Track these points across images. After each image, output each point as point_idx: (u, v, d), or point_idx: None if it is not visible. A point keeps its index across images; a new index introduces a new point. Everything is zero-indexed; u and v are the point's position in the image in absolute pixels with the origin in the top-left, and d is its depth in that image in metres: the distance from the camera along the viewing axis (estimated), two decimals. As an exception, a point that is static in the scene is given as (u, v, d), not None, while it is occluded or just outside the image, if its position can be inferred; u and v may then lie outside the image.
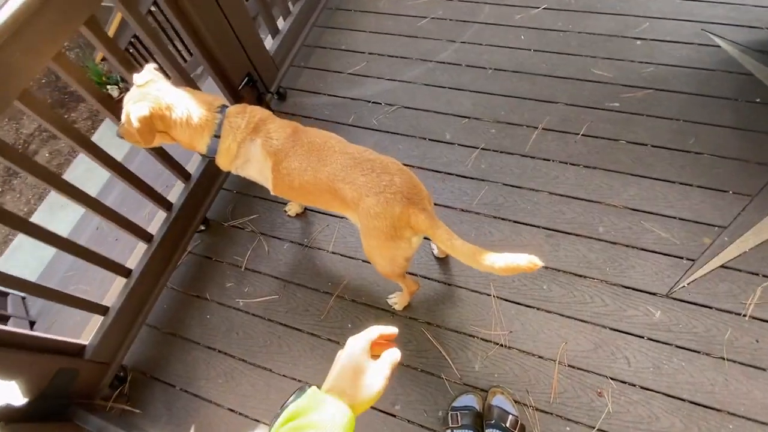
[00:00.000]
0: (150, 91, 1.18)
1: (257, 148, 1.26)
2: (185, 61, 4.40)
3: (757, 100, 1.90)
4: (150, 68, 1.23)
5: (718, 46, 2.08)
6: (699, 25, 2.17)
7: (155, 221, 1.69)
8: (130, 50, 4.43)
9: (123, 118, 1.19)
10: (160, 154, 1.59)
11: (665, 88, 2.00)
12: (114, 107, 1.35)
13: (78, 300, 1.41)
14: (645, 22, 2.22)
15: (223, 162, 1.31)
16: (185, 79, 1.60)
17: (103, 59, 4.82)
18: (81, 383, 1.44)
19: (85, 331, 1.71)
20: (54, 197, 5.39)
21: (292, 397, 0.63)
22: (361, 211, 1.18)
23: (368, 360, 0.69)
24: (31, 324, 2.61)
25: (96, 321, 1.53)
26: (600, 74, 2.08)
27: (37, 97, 1.12)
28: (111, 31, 4.33)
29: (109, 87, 5.25)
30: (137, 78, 1.20)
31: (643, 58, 2.10)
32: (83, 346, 1.45)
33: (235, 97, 1.88)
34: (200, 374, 1.61)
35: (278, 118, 1.32)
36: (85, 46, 6.43)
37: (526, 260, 1.00)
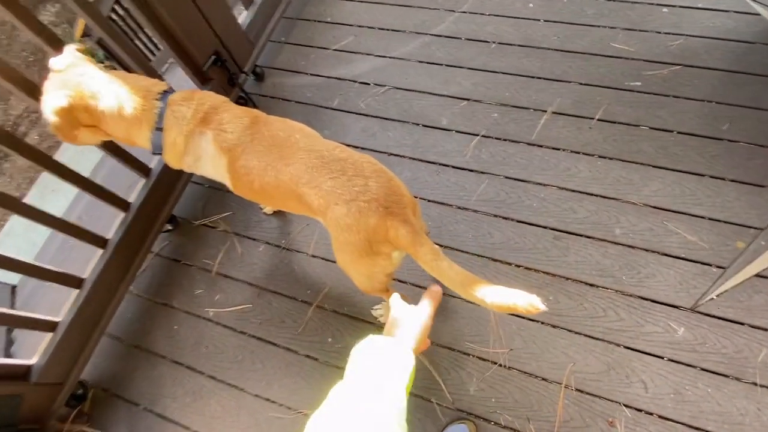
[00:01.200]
0: (71, 78, 0.97)
1: (208, 143, 1.05)
2: (155, 55, 4.06)
3: (804, 77, 1.64)
4: (71, 49, 1.01)
5: (758, 15, 1.80)
6: (737, -11, 1.87)
7: (115, 222, 1.50)
8: (113, 17, 4.10)
9: (42, 110, 0.98)
10: (112, 148, 1.39)
11: (695, 64, 1.73)
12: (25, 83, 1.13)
13: (17, 318, 1.24)
14: (673, -15, 1.93)
15: (171, 159, 1.10)
16: (150, 74, 1.38)
17: (84, 35, 4.53)
18: (30, 407, 1.30)
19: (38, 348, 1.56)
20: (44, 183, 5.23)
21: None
22: (329, 222, 0.98)
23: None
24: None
25: (45, 337, 1.36)
26: (620, 48, 1.81)
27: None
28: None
29: (93, 65, 4.97)
30: (54, 62, 0.98)
31: (670, 28, 1.82)
32: (28, 368, 1.29)
33: (202, 79, 1.65)
34: (166, 392, 1.46)
35: (235, 106, 1.10)
36: (72, 21, 6.13)
37: (525, 301, 0.80)
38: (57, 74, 0.97)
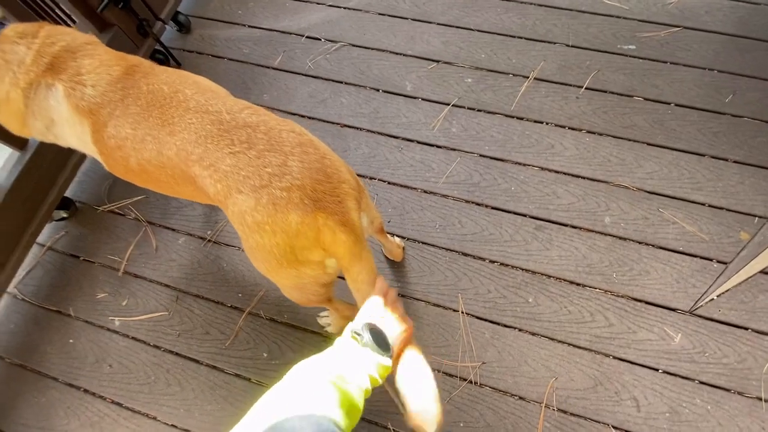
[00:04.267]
0: None
1: (60, 102, 0.73)
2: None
3: (814, 44, 1.45)
4: None
5: (765, -30, 1.58)
6: (742, -59, 1.64)
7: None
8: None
9: None
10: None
11: (695, 26, 1.51)
12: None
13: None
14: (673, -66, 1.68)
15: (8, 122, 0.77)
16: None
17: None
18: None
19: None
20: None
21: None
22: (232, 217, 0.69)
23: None
24: None
25: None
26: (612, 5, 1.56)
27: None
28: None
29: None
30: None
31: (668, -17, 1.58)
32: None
33: (99, 24, 1.29)
34: (57, 423, 1.17)
35: (104, 49, 0.77)
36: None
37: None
38: None
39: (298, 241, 0.65)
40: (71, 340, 1.24)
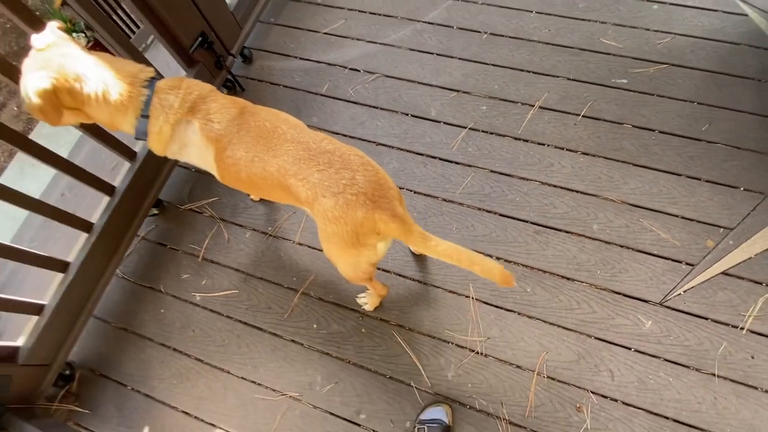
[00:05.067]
0: (52, 58, 0.94)
1: (195, 133, 1.05)
2: (134, 31, 3.88)
3: (783, 81, 1.68)
4: (53, 27, 0.99)
5: (746, 15, 1.82)
6: (727, -12, 1.89)
7: (97, 209, 1.50)
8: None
9: (21, 90, 0.96)
10: (94, 130, 1.37)
11: (681, 63, 1.76)
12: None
13: (7, 301, 1.24)
14: (665, -19, 1.93)
15: (155, 146, 1.10)
16: (131, 53, 1.35)
17: (64, 3, 4.33)
18: (18, 387, 1.32)
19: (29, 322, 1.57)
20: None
21: None
22: (317, 213, 1.00)
23: None
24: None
25: (32, 319, 1.38)
26: (609, 44, 1.83)
27: None
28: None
29: (74, 34, 4.78)
30: (36, 40, 0.96)
31: (659, 26, 1.84)
32: (16, 349, 1.31)
33: (188, 62, 1.62)
34: (154, 373, 1.49)
35: (222, 95, 1.10)
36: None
37: (499, 273, 1.02)
38: (38, 53, 0.95)
39: (362, 229, 0.96)
40: (162, 310, 1.58)
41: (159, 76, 1.08)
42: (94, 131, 1.37)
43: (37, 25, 1.08)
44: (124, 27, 2.55)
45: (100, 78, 0.97)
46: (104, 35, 1.32)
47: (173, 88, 1.04)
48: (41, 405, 1.42)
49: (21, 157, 5.54)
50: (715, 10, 1.84)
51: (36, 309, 1.34)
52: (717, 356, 1.33)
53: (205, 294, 1.58)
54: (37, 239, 1.87)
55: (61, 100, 0.94)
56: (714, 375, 1.31)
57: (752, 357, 1.32)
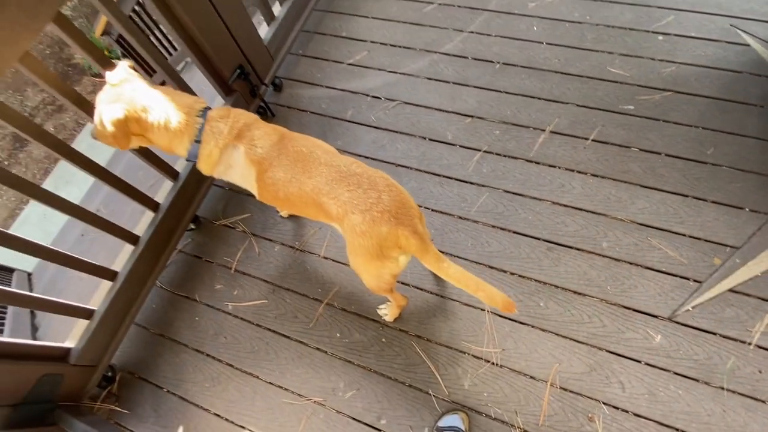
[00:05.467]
0: (124, 91, 1.10)
1: (240, 156, 1.19)
2: (171, 54, 4.19)
3: (786, 107, 1.76)
4: (124, 66, 1.15)
5: (747, 45, 1.92)
6: (728, 20, 1.99)
7: (141, 223, 1.65)
8: (133, 18, 4.24)
9: (96, 119, 1.12)
10: (144, 153, 1.53)
11: (685, 90, 1.86)
12: (81, 101, 1.27)
13: (59, 305, 1.38)
14: (670, 14, 2.05)
15: (204, 167, 1.24)
16: (171, 76, 1.51)
17: (104, 33, 4.67)
18: (67, 386, 1.44)
19: (72, 334, 1.71)
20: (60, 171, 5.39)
21: None
22: (346, 228, 1.11)
23: None
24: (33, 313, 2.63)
25: (81, 325, 1.51)
26: (616, 73, 1.94)
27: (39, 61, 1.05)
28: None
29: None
30: (110, 76, 1.12)
31: (664, 55, 1.95)
32: (68, 350, 1.43)
33: (227, 90, 1.79)
34: (188, 377, 1.60)
35: (264, 124, 1.24)
36: (89, 15, 6.28)
37: (503, 300, 1.07)
38: (112, 87, 1.11)
39: (386, 243, 1.07)
40: (197, 318, 1.70)
41: (209, 107, 1.22)
42: (144, 153, 1.53)
43: (108, 65, 1.25)
44: (161, 48, 2.76)
45: (163, 109, 1.12)
46: (146, 57, 1.45)
47: (223, 117, 1.19)
48: (85, 404, 1.53)
49: (55, 174, 5.83)
50: (718, 41, 1.95)
51: (87, 313, 1.47)
52: (726, 370, 1.38)
53: (236, 303, 1.69)
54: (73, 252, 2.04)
55: (130, 127, 1.10)
56: (723, 389, 1.36)
57: (760, 371, 1.36)
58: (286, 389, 1.53)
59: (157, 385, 1.60)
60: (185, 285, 1.76)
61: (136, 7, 4.03)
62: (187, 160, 1.24)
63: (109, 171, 1.43)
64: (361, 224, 1.07)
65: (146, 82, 1.16)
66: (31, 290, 2.74)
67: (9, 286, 2.69)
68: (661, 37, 2.00)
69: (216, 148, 1.18)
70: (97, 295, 1.63)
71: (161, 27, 4.23)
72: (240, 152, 1.19)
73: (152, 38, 4.43)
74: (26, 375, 1.26)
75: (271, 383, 1.55)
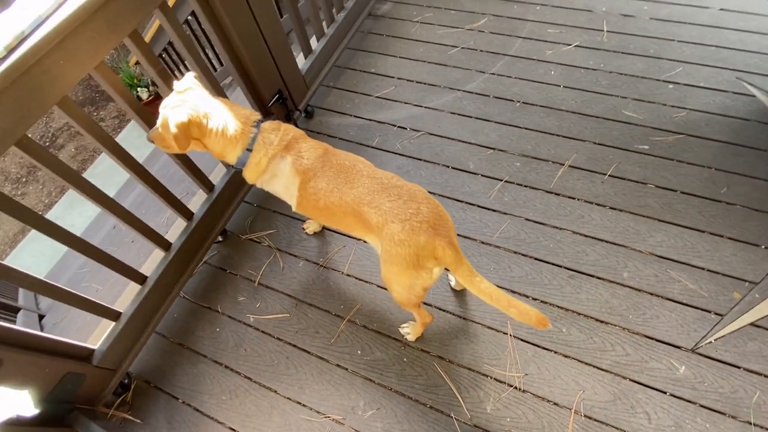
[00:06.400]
0: (189, 99, 1.19)
1: (287, 165, 1.27)
2: (215, 70, 4.51)
3: (793, 153, 1.85)
4: (191, 76, 1.25)
5: (753, 96, 2.05)
6: (734, 73, 2.14)
7: (173, 228, 1.70)
8: (163, 56, 4.57)
9: (159, 121, 1.20)
10: (186, 162, 1.60)
11: (697, 134, 1.96)
12: (142, 110, 1.36)
13: (90, 303, 1.40)
14: (678, 66, 2.20)
15: (250, 175, 1.31)
16: (215, 89, 1.62)
17: (137, 63, 4.96)
18: (86, 388, 1.42)
19: (94, 333, 1.71)
20: (71, 195, 5.52)
21: None
22: (385, 236, 1.16)
23: None
24: (40, 317, 2.63)
25: (105, 324, 1.52)
26: (630, 115, 2.06)
27: (72, 101, 1.13)
28: (147, 39, 4.48)
29: (139, 89, 5.41)
30: (177, 85, 1.21)
31: (675, 102, 2.07)
32: (92, 351, 1.43)
33: (265, 113, 1.90)
34: (204, 389, 1.58)
35: (311, 139, 1.33)
36: (120, 47, 6.67)
37: (537, 316, 1.07)
38: (178, 94, 1.20)
39: (423, 252, 1.11)
40: (218, 329, 1.70)
41: (262, 119, 1.31)
42: (185, 164, 1.60)
43: (168, 79, 1.35)
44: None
45: (222, 117, 1.21)
46: (198, 71, 1.53)
47: (274, 130, 1.28)
48: (100, 410, 1.51)
49: (71, 192, 5.93)
50: (725, 91, 2.08)
51: (114, 315, 1.48)
52: (752, 404, 1.36)
53: (258, 316, 1.70)
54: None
55: (191, 131, 1.18)
56: (750, 423, 1.34)
57: (788, 408, 1.35)
58: (304, 405, 1.50)
59: (172, 395, 1.58)
60: (208, 296, 1.78)
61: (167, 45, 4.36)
62: (233, 167, 1.32)
63: (154, 176, 1.50)
64: (400, 233, 1.12)
65: (208, 92, 1.25)
66: (37, 306, 2.75)
67: (16, 300, 2.70)
68: (671, 86, 2.14)
69: (265, 157, 1.26)
70: (122, 299, 1.66)
71: (206, 51, 4.54)
72: (287, 162, 1.26)
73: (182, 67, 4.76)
74: (54, 370, 1.26)
75: (289, 398, 1.53)
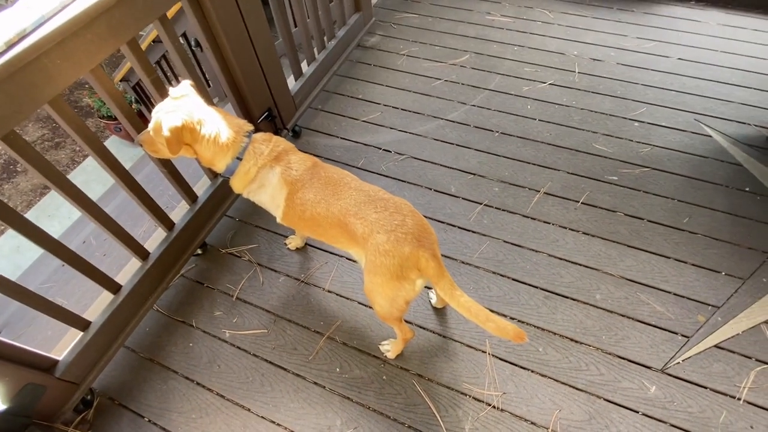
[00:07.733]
0: (183, 105, 1.21)
1: (276, 176, 1.29)
2: (209, 86, 4.53)
3: (747, 189, 2.01)
4: (187, 84, 1.28)
5: (710, 136, 2.23)
6: (692, 116, 2.33)
7: (152, 240, 1.67)
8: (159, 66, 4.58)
9: (151, 125, 1.21)
10: (171, 171, 1.60)
11: (661, 168, 2.11)
12: (132, 115, 1.38)
13: (59, 309, 1.34)
14: (642, 106, 2.39)
15: (237, 184, 1.33)
16: (208, 102, 1.65)
17: (122, 80, 4.96)
18: (46, 402, 1.34)
19: (56, 347, 1.62)
20: (42, 206, 5.32)
21: None
22: (369, 247, 1.18)
23: None
24: (-5, 334, 2.46)
25: (71, 336, 1.45)
26: (600, 149, 2.20)
27: (64, 101, 1.14)
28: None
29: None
30: (173, 91, 1.24)
31: (640, 138, 2.23)
32: (56, 362, 1.36)
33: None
34: (173, 406, 1.51)
35: (300, 152, 1.36)
36: (105, 65, 6.66)
37: (514, 330, 1.11)
38: (173, 100, 1.22)
39: (407, 263, 1.14)
40: (191, 344, 1.65)
41: (254, 131, 1.34)
42: (171, 173, 1.60)
43: (162, 90, 1.38)
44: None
45: (215, 125, 1.24)
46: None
47: (265, 141, 1.31)
48: (58, 427, 1.41)
49: (39, 207, 5.71)
50: (685, 131, 2.26)
51: (83, 324, 1.42)
52: (719, 424, 1.40)
53: (234, 331, 1.66)
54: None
55: (184, 136, 1.19)
56: (719, 443, 1.37)
57: (751, 427, 1.40)
58: (278, 425, 1.45)
59: (138, 413, 1.50)
60: (183, 309, 1.73)
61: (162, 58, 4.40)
62: (221, 176, 1.33)
63: (138, 182, 1.49)
64: (385, 243, 1.15)
65: (203, 100, 1.28)
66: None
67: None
68: (636, 124, 2.30)
69: (255, 166, 1.28)
70: (92, 309, 1.59)
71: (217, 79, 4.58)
72: (276, 173, 1.29)
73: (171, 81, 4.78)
74: (14, 379, 1.19)
75: (263, 417, 1.47)
